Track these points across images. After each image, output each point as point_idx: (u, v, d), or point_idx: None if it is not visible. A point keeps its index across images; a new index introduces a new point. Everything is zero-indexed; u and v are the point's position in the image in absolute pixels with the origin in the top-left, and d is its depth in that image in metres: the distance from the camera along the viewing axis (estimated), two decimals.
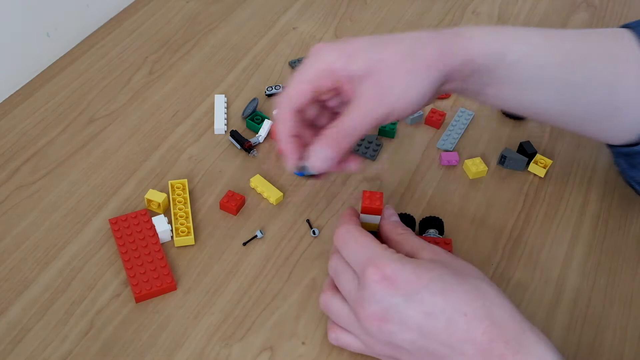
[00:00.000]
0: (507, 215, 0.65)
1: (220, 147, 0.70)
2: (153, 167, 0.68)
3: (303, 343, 0.55)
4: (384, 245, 0.50)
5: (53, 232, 0.62)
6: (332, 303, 0.52)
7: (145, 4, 0.89)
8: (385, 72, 0.52)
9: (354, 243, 0.51)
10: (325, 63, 0.53)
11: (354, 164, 0.56)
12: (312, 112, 0.57)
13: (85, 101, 0.75)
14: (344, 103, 0.55)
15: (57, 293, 0.57)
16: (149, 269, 0.58)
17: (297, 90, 0.54)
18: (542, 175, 0.68)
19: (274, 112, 0.54)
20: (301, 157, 0.54)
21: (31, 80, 0.77)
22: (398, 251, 0.51)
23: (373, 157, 0.70)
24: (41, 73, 0.78)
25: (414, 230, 0.62)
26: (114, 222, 0.61)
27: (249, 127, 0.72)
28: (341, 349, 0.54)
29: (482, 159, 0.69)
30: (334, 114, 0.57)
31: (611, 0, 0.95)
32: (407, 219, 0.62)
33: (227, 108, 0.75)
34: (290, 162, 0.55)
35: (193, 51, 0.82)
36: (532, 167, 0.69)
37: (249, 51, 0.83)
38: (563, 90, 0.56)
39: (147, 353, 0.53)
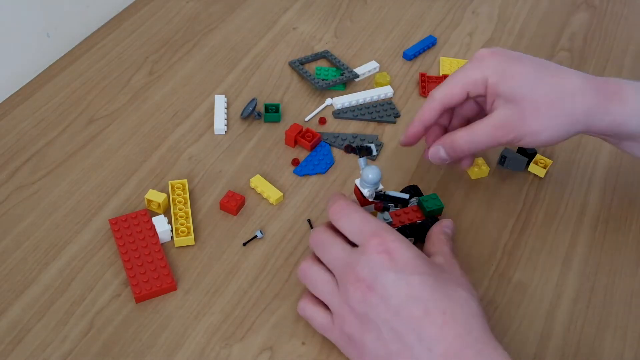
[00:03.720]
0: (507, 215, 0.65)
1: (220, 147, 0.71)
2: (153, 167, 0.68)
3: (303, 343, 0.55)
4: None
5: (53, 232, 0.62)
6: (312, 270, 0.52)
7: (145, 4, 0.89)
8: (528, 108, 0.56)
9: (356, 214, 0.51)
10: (482, 74, 0.57)
11: (466, 163, 0.64)
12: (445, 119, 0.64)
13: (85, 101, 0.75)
14: (479, 112, 0.62)
15: (57, 293, 0.57)
16: (149, 269, 0.58)
17: (453, 92, 0.59)
18: (542, 176, 0.68)
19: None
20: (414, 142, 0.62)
21: (31, 80, 0.77)
22: (427, 247, 0.55)
23: (374, 157, 0.70)
24: (41, 73, 0.78)
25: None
26: (114, 222, 0.61)
27: (267, 120, 0.73)
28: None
29: (482, 159, 0.69)
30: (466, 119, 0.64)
31: (611, 0, 0.95)
32: (413, 189, 0.63)
33: (227, 108, 0.75)
34: (405, 141, 0.63)
35: (193, 51, 0.82)
36: (532, 168, 0.69)
37: (249, 51, 0.83)
38: None
39: (147, 353, 0.53)
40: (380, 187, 0.55)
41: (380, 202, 0.55)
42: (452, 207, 0.66)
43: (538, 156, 0.69)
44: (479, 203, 0.66)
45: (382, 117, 0.74)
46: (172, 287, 0.57)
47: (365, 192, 0.55)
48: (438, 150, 0.60)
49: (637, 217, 0.66)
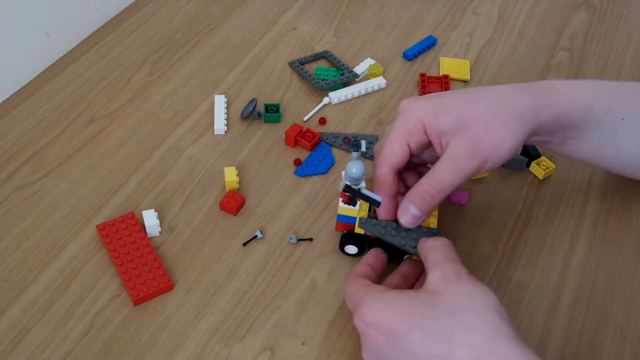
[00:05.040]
0: (507, 215, 0.65)
1: (220, 147, 0.70)
2: (153, 167, 0.68)
3: (303, 343, 0.55)
4: (372, 286, 0.50)
5: (53, 232, 0.62)
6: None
7: (145, 4, 0.89)
8: (477, 127, 0.53)
9: (349, 292, 0.51)
10: (415, 119, 0.55)
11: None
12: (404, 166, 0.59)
13: (85, 101, 0.75)
14: (434, 155, 0.57)
15: (57, 293, 0.57)
16: (143, 272, 0.58)
17: (393, 150, 0.56)
18: (541, 177, 0.68)
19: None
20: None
21: (31, 80, 0.77)
22: (424, 263, 0.51)
23: (365, 154, 0.70)
24: (41, 73, 0.78)
25: None
26: (102, 228, 0.61)
27: (267, 120, 0.73)
28: (341, 350, 0.54)
29: None
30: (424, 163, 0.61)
31: (611, 1, 0.95)
32: None
33: (227, 108, 0.75)
34: (386, 215, 0.57)
35: (193, 51, 0.82)
36: (533, 167, 0.69)
37: (249, 51, 0.83)
38: None
39: (147, 353, 0.53)
40: (362, 184, 0.55)
41: (347, 195, 0.55)
42: (452, 207, 0.66)
43: (542, 158, 0.69)
44: (479, 203, 0.66)
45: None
46: (169, 287, 0.57)
47: (341, 183, 0.55)
48: (407, 208, 0.54)
49: (637, 217, 0.66)
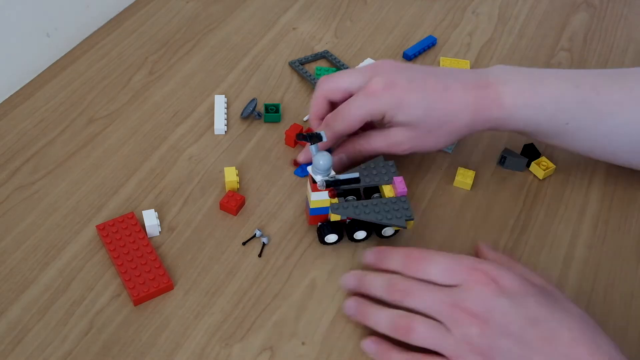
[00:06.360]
0: (507, 215, 0.65)
1: (220, 147, 0.71)
2: (153, 167, 0.68)
3: (303, 343, 0.55)
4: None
5: (53, 232, 0.62)
6: (416, 320, 0.49)
7: (145, 4, 0.89)
8: (422, 132, 0.62)
9: (442, 257, 0.51)
10: (380, 109, 0.61)
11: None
12: None
13: (85, 101, 0.75)
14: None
15: (57, 293, 0.57)
16: (143, 272, 0.58)
17: (352, 125, 0.62)
18: (541, 178, 0.68)
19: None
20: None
21: (31, 80, 0.77)
22: None
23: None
24: (41, 73, 0.78)
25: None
26: (102, 228, 0.61)
27: (267, 120, 0.73)
28: (341, 350, 0.54)
29: (482, 159, 0.69)
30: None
31: (611, 1, 0.95)
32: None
33: (227, 108, 0.75)
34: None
35: (193, 51, 0.82)
36: (533, 167, 0.69)
37: (249, 51, 0.83)
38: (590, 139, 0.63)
39: (147, 353, 0.53)
40: (332, 173, 0.57)
41: (333, 189, 0.57)
42: (452, 207, 0.66)
43: (542, 158, 0.69)
44: (478, 203, 0.66)
45: None
46: (169, 287, 0.57)
47: (318, 178, 0.57)
48: (340, 159, 0.65)
49: (637, 217, 0.66)
